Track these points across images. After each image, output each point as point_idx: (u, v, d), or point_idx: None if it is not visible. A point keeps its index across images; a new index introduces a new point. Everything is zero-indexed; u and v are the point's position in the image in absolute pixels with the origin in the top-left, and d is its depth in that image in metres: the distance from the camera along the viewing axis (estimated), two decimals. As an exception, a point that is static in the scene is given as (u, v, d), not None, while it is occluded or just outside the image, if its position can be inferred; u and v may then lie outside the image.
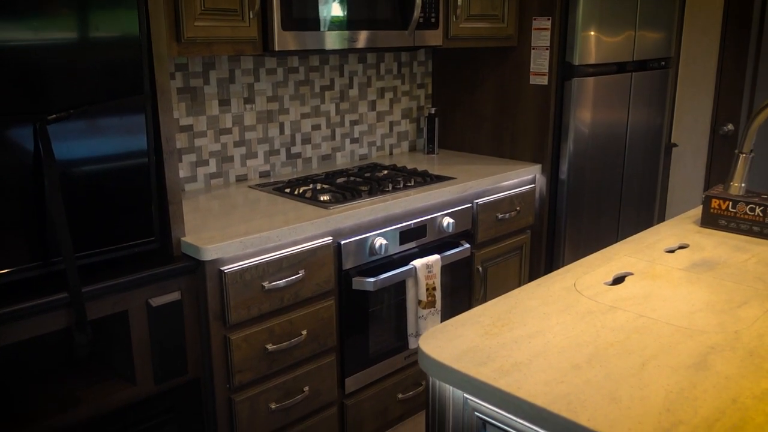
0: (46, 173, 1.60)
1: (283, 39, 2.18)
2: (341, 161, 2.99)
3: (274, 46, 2.16)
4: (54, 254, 1.65)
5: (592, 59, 2.93)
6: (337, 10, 2.33)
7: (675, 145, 3.77)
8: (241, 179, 2.64)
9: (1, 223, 1.59)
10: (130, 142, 1.79)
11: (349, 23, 2.37)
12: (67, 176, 1.66)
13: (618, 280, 1.54)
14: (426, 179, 2.62)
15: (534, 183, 2.95)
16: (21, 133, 1.59)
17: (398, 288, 2.40)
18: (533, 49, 2.90)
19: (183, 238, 1.88)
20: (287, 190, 2.45)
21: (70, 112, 1.65)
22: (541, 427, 1.02)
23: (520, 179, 2.87)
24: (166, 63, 1.79)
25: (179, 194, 1.88)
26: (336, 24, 2.33)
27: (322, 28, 2.29)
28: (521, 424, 1.08)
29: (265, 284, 1.95)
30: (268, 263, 1.96)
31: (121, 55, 1.73)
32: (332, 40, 2.33)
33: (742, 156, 1.56)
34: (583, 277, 1.53)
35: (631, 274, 1.56)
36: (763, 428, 0.94)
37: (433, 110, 3.19)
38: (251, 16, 2.09)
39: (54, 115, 1.61)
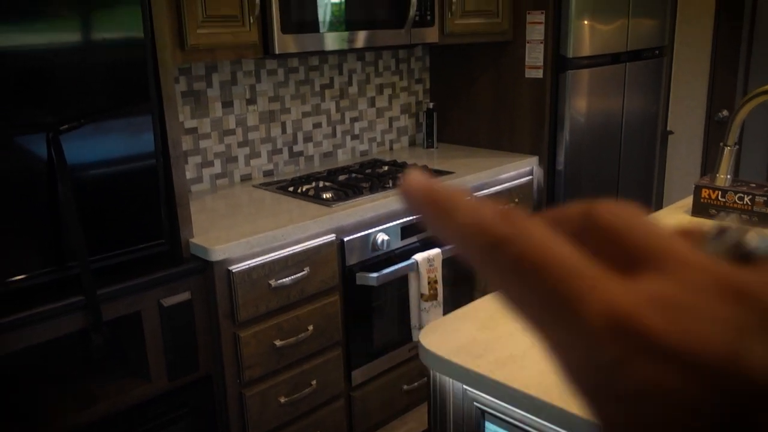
0: (59, 180, 1.67)
1: (283, 42, 2.24)
2: (342, 158, 3.06)
3: (274, 50, 2.22)
4: (68, 259, 1.72)
5: (586, 51, 2.97)
6: (334, 12, 2.39)
7: (671, 132, 3.82)
8: (246, 179, 2.70)
9: (17, 229, 1.66)
10: (139, 147, 1.86)
11: (347, 24, 2.43)
12: (78, 182, 1.72)
13: (610, 271, 1.60)
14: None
15: (532, 174, 3.01)
16: (34, 142, 1.66)
17: (401, 282, 2.46)
18: (528, 42, 2.95)
19: (191, 240, 1.95)
20: (290, 189, 2.51)
21: (81, 122, 1.71)
22: (537, 416, 1.09)
23: (517, 171, 2.93)
24: (171, 70, 1.86)
25: (187, 197, 1.95)
26: (334, 25, 2.39)
27: (320, 30, 2.35)
28: (518, 413, 1.15)
29: (272, 282, 2.02)
30: (274, 262, 2.03)
31: (127, 64, 1.79)
32: (331, 42, 2.38)
33: (726, 149, 1.61)
34: (577, 270, 1.60)
35: (623, 265, 1.62)
36: None
37: (431, 105, 3.25)
38: (252, 21, 2.15)
39: (66, 126, 1.68)
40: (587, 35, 2.97)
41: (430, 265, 2.43)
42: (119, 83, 1.81)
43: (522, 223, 0.24)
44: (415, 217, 0.27)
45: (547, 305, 0.23)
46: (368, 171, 2.78)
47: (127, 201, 1.85)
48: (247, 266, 1.97)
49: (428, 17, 2.69)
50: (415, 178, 0.27)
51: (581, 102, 3.03)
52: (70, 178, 1.69)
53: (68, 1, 1.67)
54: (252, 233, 2.00)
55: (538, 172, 3.04)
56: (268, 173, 2.78)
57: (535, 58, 2.95)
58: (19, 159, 1.67)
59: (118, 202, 1.84)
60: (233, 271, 1.94)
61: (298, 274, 2.09)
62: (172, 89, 1.87)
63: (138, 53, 1.79)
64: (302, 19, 2.28)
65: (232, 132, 2.63)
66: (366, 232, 2.31)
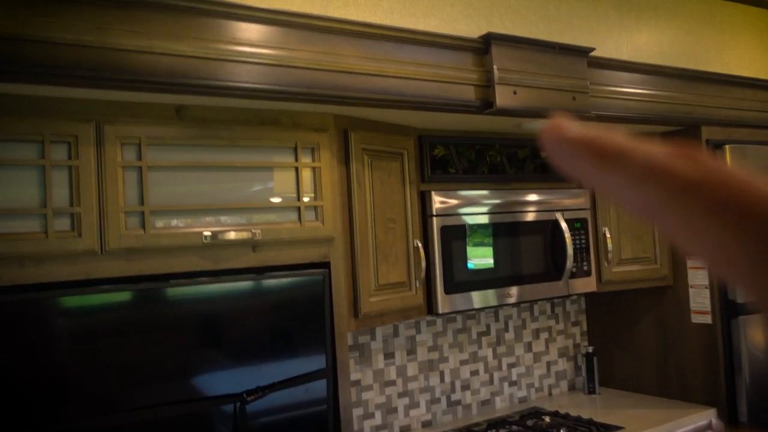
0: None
1: (446, 302, 2.34)
2: (500, 405, 2.98)
3: (437, 310, 2.33)
4: None
5: (757, 295, 2.83)
6: (494, 271, 2.49)
7: None
8: (405, 430, 2.69)
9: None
10: (312, 411, 1.94)
11: (506, 280, 2.51)
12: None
13: None
14: (592, 429, 2.54)
15: (710, 429, 2.75)
16: (224, 410, 1.79)
17: None
18: (691, 287, 2.87)
19: None
20: (451, 445, 2.46)
21: (266, 392, 1.84)
22: None
23: (695, 425, 2.69)
24: (346, 339, 1.98)
25: (354, 463, 1.96)
26: (494, 282, 2.48)
27: (481, 289, 2.44)
28: None
29: None
30: None
31: (308, 334, 1.94)
32: (490, 299, 2.46)
33: None
34: None
35: None
36: None
37: (590, 349, 3.16)
38: (417, 285, 2.29)
39: (252, 397, 1.81)
40: (756, 277, 2.84)
41: None
42: (299, 350, 1.95)
43: (711, 164, 0.22)
44: (567, 166, 0.24)
45: (754, 246, 0.20)
46: (529, 423, 2.67)
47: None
48: None
49: (585, 267, 2.73)
50: (565, 123, 0.23)
51: (760, 346, 2.82)
52: (252, 446, 1.78)
53: (263, 276, 1.89)
54: (417, 503, 1.95)
55: (718, 426, 2.77)
56: (426, 424, 2.75)
57: (700, 303, 2.84)
58: (203, 424, 1.80)
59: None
60: None
61: None
62: (346, 357, 1.98)
63: (318, 323, 1.95)
64: (463, 280, 2.40)
65: (393, 383, 2.68)
66: (533, 499, 2.17)
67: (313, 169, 1.97)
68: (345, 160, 2.10)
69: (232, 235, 1.78)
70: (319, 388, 1.95)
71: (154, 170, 1.71)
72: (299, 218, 1.93)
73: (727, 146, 2.85)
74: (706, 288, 2.82)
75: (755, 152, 2.95)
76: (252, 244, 1.84)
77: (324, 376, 1.95)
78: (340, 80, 1.88)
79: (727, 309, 2.80)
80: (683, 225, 0.22)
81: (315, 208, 1.97)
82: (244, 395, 1.80)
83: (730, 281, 0.23)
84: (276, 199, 1.92)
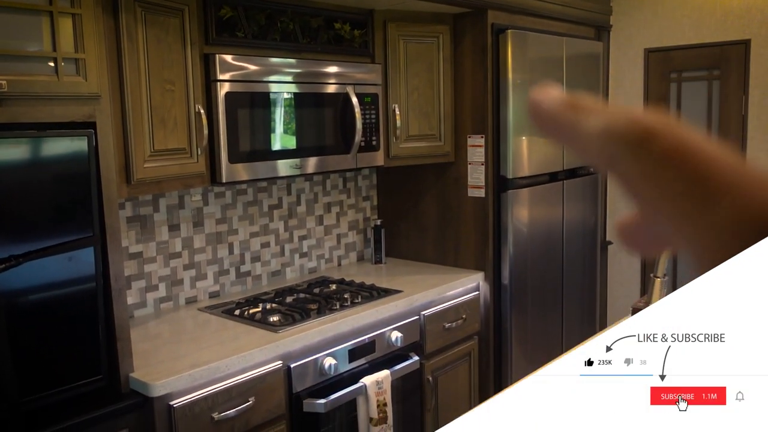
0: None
1: (231, 171, 2.29)
2: (291, 276, 3.06)
3: (221, 179, 2.27)
4: (-1, 402, 1.65)
5: (524, 172, 3.12)
6: (282, 141, 2.47)
7: (610, 242, 3.97)
8: (191, 301, 2.67)
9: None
10: (79, 280, 1.84)
11: (294, 151, 2.51)
12: (11, 315, 1.68)
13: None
14: (373, 293, 2.70)
15: (478, 290, 3.06)
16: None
17: (349, 406, 2.42)
18: (470, 164, 3.09)
19: (131, 374, 1.90)
20: (236, 312, 2.49)
21: (20, 260, 1.69)
22: None
23: (464, 288, 2.98)
24: (116, 206, 1.87)
25: (128, 330, 1.91)
26: (281, 153, 2.47)
27: (268, 159, 2.41)
28: None
29: (215, 415, 1.97)
30: (217, 393, 1.98)
31: (71, 198, 1.80)
32: (279, 169, 2.45)
33: (657, 280, 1.69)
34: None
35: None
36: None
37: (379, 222, 3.32)
38: (199, 153, 2.20)
39: (3, 265, 1.66)
40: (525, 157, 3.12)
41: (379, 388, 2.41)
42: (61, 217, 1.81)
43: (667, 118, 0.25)
44: (546, 129, 0.28)
45: (689, 194, 0.24)
46: (316, 291, 2.78)
47: (64, 336, 1.81)
48: (189, 400, 1.92)
49: (374, 142, 2.80)
50: (547, 91, 0.27)
51: (523, 218, 3.15)
52: (3, 313, 1.65)
53: (13, 134, 1.69)
54: (195, 365, 1.96)
55: (485, 288, 3.09)
56: (214, 295, 2.75)
57: (476, 178, 3.07)
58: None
59: (55, 337, 1.79)
60: (174, 406, 1.89)
61: (243, 405, 2.04)
62: (117, 224, 1.88)
63: (82, 188, 1.80)
64: (249, 149, 2.35)
65: (178, 255, 2.62)
66: (313, 356, 2.29)
67: (73, 15, 1.76)
68: (113, 10, 1.90)
69: (-31, 85, 1.55)
70: (86, 257, 1.84)
71: None
72: (56, 71, 1.73)
73: (509, 31, 3.00)
74: (482, 165, 3.05)
75: (534, 39, 3.15)
76: (-4, 97, 1.62)
77: (91, 244, 1.84)
78: None
79: (498, 184, 3.07)
80: (638, 171, 0.25)
81: (76, 60, 1.77)
82: (-6, 264, 1.65)
83: (672, 223, 0.25)
84: (26, 47, 1.70)
